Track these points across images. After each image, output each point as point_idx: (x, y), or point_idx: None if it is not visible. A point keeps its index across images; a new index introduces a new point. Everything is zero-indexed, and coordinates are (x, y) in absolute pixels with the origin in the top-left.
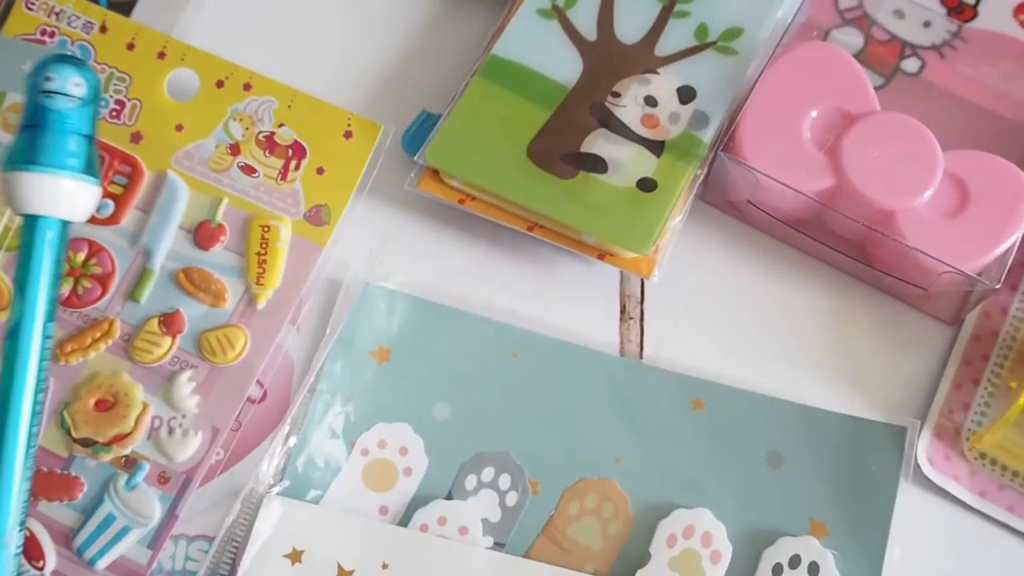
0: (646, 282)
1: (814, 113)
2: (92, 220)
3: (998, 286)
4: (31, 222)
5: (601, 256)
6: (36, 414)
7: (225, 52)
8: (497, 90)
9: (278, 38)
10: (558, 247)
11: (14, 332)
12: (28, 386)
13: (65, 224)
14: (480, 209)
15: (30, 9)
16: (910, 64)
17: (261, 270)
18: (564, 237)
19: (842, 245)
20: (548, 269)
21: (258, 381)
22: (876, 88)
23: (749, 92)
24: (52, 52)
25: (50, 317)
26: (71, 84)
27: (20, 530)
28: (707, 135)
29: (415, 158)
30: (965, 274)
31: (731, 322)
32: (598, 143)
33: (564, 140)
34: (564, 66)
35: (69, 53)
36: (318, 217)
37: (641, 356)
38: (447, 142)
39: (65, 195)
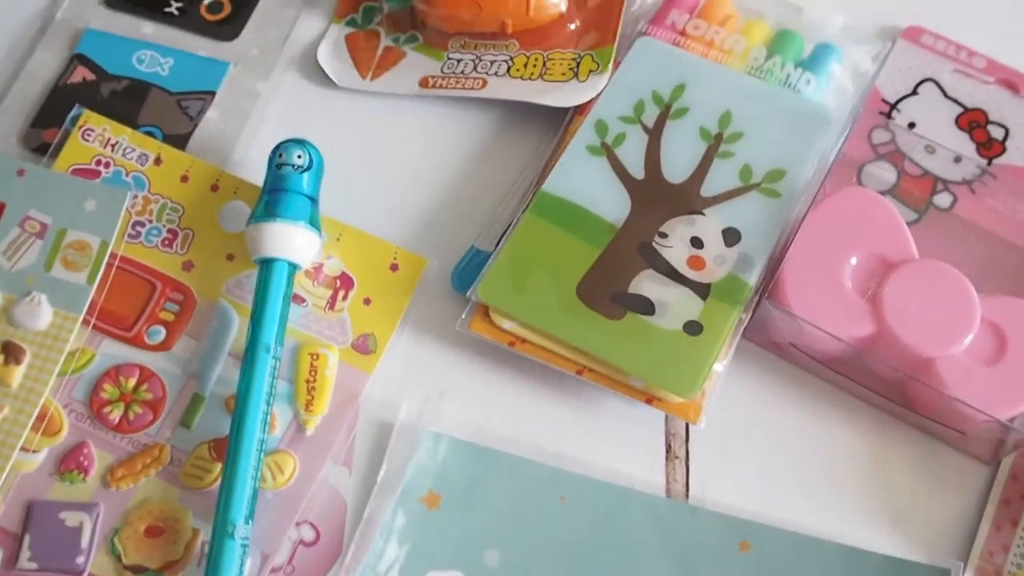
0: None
1: (854, 260)
2: (143, 346)
3: None
4: (268, 265)
5: (649, 400)
6: (266, 414)
7: None
8: (547, 227)
9: (328, 171)
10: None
11: (251, 348)
12: (263, 388)
13: (294, 267)
14: (530, 352)
15: (86, 140)
16: (942, 199)
17: (310, 397)
18: (612, 380)
19: (883, 387)
20: (595, 410)
21: (311, 523)
22: (910, 223)
23: (792, 233)
24: (290, 138)
25: (279, 340)
26: (295, 156)
27: (247, 523)
28: (752, 278)
29: (467, 294)
30: (1003, 423)
31: (775, 461)
32: (646, 284)
33: (613, 280)
34: (613, 204)
35: (295, 137)
36: (365, 346)
37: (687, 496)
38: (498, 279)
39: (296, 240)
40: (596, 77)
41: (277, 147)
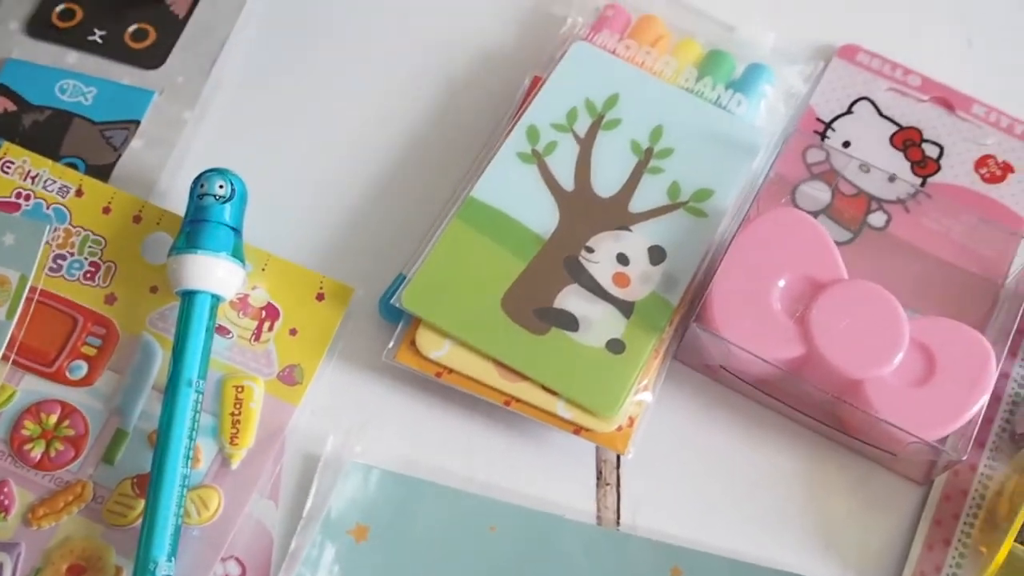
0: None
1: (782, 282)
2: (65, 381)
3: (964, 458)
4: (190, 297)
5: (577, 431)
6: (189, 449)
7: None
8: (474, 235)
9: (253, 200)
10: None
11: (173, 383)
12: (186, 423)
13: (217, 298)
14: (457, 383)
15: (6, 172)
16: (876, 218)
17: (235, 430)
18: (540, 411)
19: (815, 409)
20: (525, 439)
21: (236, 558)
22: (843, 243)
23: (718, 253)
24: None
25: (202, 374)
26: (217, 186)
27: (170, 560)
28: (675, 298)
29: (392, 300)
30: (931, 444)
31: (708, 486)
32: (571, 299)
33: (538, 294)
34: (541, 215)
35: (217, 167)
36: (291, 377)
37: (618, 523)
38: (424, 286)
39: (218, 272)
40: None
41: (199, 177)
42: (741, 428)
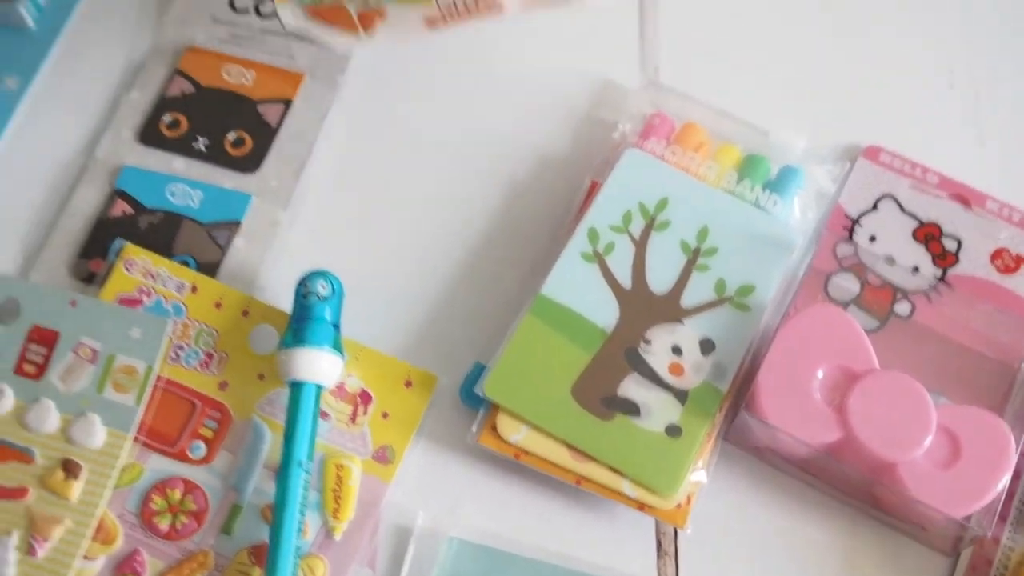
0: None
1: (820, 373)
2: (186, 460)
3: (988, 534)
4: (298, 387)
5: (640, 507)
6: (300, 523)
7: None
8: (545, 329)
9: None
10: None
11: (285, 464)
12: (298, 500)
13: (320, 387)
14: (533, 463)
15: (129, 271)
16: (902, 308)
17: (337, 505)
18: (607, 490)
19: (852, 488)
20: (594, 514)
21: None
22: (872, 331)
23: (761, 343)
24: (313, 270)
25: (309, 456)
26: (319, 287)
27: None
28: (724, 386)
29: (475, 389)
30: (959, 521)
31: (756, 556)
32: (632, 387)
33: (603, 383)
34: (603, 311)
35: (319, 269)
36: (384, 456)
37: None
38: (503, 376)
39: (322, 364)
40: None
41: (303, 278)
42: (785, 504)
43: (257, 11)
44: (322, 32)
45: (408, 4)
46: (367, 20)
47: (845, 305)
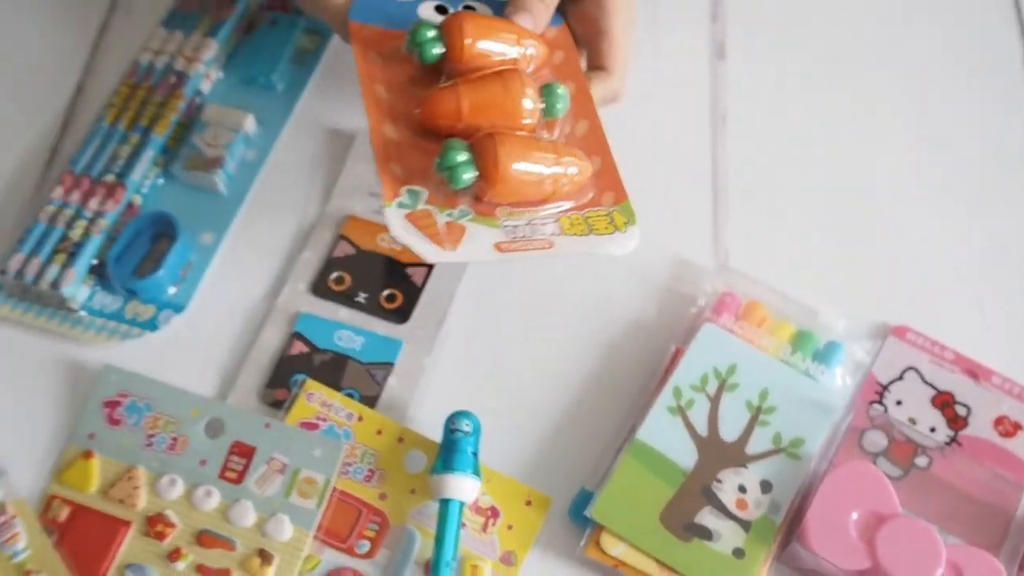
0: None
1: (855, 515)
2: (354, 555)
3: None
4: (447, 503)
5: None
6: None
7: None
8: (640, 467)
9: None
10: None
11: (436, 563)
12: None
13: (462, 504)
14: (629, 573)
15: (309, 401)
16: (921, 461)
17: None
18: None
19: None
20: None
21: None
22: (896, 478)
23: (809, 485)
24: (457, 410)
25: (452, 556)
26: (463, 424)
27: None
28: (779, 519)
29: (585, 512)
30: None
31: None
32: (707, 517)
33: (684, 512)
34: (684, 454)
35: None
36: (509, 560)
37: None
38: (606, 503)
39: (465, 486)
40: (631, 228)
41: (451, 416)
42: None
43: None
44: (415, 240)
45: (481, 224)
46: (453, 233)
47: (875, 456)
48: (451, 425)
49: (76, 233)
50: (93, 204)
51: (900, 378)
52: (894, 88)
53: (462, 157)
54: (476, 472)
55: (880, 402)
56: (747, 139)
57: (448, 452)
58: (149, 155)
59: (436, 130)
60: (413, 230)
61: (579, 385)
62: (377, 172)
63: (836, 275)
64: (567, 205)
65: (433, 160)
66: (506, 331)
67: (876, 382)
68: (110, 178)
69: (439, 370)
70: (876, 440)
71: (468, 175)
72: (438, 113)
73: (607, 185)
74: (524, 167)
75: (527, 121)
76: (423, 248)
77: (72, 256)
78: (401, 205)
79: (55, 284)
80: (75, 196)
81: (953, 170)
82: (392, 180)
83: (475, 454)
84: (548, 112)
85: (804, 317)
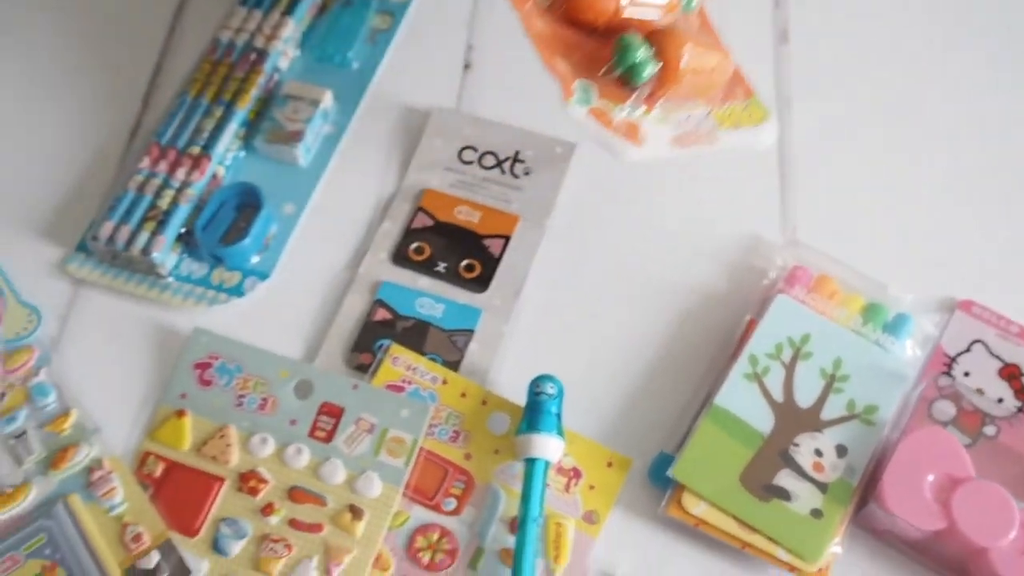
0: None
1: (931, 477)
2: (441, 511)
3: None
4: (532, 462)
5: (792, 570)
6: (534, 564)
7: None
8: (718, 431)
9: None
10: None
11: (523, 522)
12: (534, 547)
13: (548, 463)
14: (710, 531)
15: (394, 365)
16: (989, 430)
17: (556, 552)
18: (766, 554)
19: (952, 565)
20: (755, 573)
21: None
22: (966, 446)
23: (882, 450)
24: (541, 374)
25: (539, 513)
26: (548, 387)
27: None
28: (854, 482)
29: (668, 472)
30: None
31: None
32: (785, 479)
33: (763, 474)
34: (761, 419)
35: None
36: (591, 518)
37: None
38: (687, 464)
39: (551, 446)
40: (767, 121)
41: (535, 380)
42: (898, 573)
43: (480, 163)
44: (604, 135)
45: (652, 120)
46: (632, 131)
47: (944, 425)
48: (535, 388)
49: (164, 202)
50: (180, 174)
51: (967, 350)
52: (961, 62)
53: (643, 53)
54: (560, 433)
55: (948, 373)
56: (812, 119)
57: (533, 413)
58: (232, 128)
59: (584, 23)
60: (597, 126)
61: (653, 353)
62: (546, 67)
63: (902, 250)
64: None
65: (597, 54)
66: (581, 301)
67: (944, 354)
68: (195, 149)
69: (517, 337)
70: (945, 409)
71: (649, 71)
72: (595, 7)
73: (735, 81)
74: (698, 61)
75: (671, 16)
76: (616, 145)
77: (161, 224)
78: (579, 102)
79: (145, 250)
80: (162, 166)
81: (1020, 145)
82: (563, 77)
83: (558, 416)
84: (686, 7)
85: (873, 290)
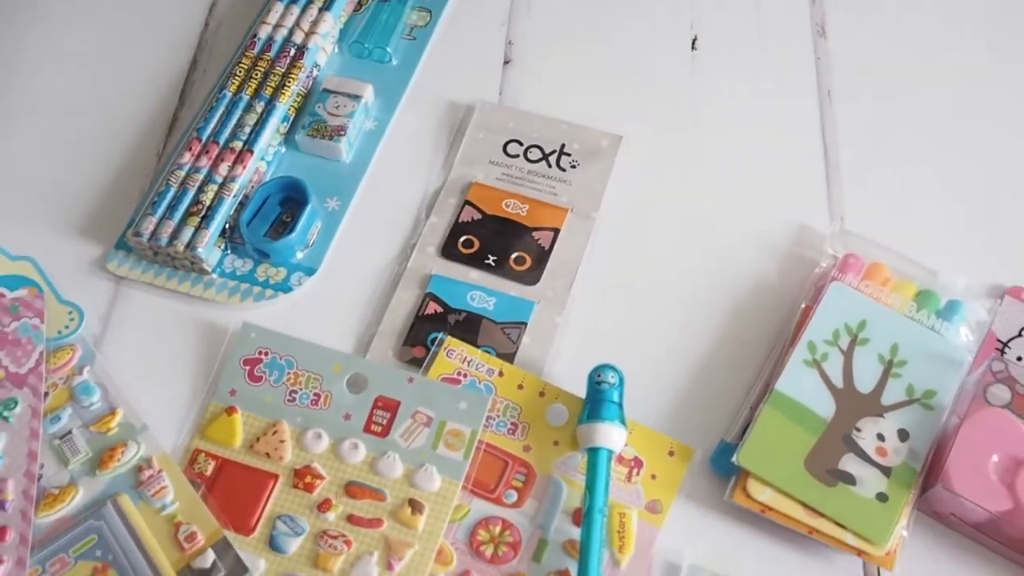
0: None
1: (995, 458)
2: (502, 504)
3: None
4: (595, 452)
5: (859, 554)
6: (601, 555)
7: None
8: (780, 417)
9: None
10: (828, 546)
11: (589, 512)
12: (600, 538)
13: (611, 452)
14: (775, 517)
15: (449, 357)
16: None
17: (621, 542)
18: (833, 539)
19: (1015, 545)
20: (818, 558)
21: None
22: None
23: (943, 434)
24: (601, 363)
25: (604, 503)
26: (609, 376)
27: None
28: (917, 466)
29: (732, 459)
30: None
31: None
32: (849, 463)
33: (827, 459)
34: (822, 404)
35: (607, 363)
36: (654, 508)
37: None
38: (752, 450)
39: (614, 435)
40: None
41: (596, 369)
42: (960, 556)
43: (526, 157)
44: None
45: None
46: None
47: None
48: (596, 377)
49: (208, 197)
50: (222, 169)
51: (1019, 335)
52: (1004, 48)
53: None
54: (623, 421)
55: (1001, 358)
56: (854, 111)
57: (595, 403)
58: (274, 123)
59: None
60: None
61: (707, 342)
62: None
63: (950, 238)
64: None
65: None
66: (633, 292)
67: (996, 339)
68: (237, 144)
69: (571, 329)
70: (999, 394)
71: None
72: None
73: None
74: None
75: None
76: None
77: (205, 219)
78: None
79: (190, 245)
80: (203, 161)
81: None
82: None
83: (620, 405)
84: None
85: (925, 277)
